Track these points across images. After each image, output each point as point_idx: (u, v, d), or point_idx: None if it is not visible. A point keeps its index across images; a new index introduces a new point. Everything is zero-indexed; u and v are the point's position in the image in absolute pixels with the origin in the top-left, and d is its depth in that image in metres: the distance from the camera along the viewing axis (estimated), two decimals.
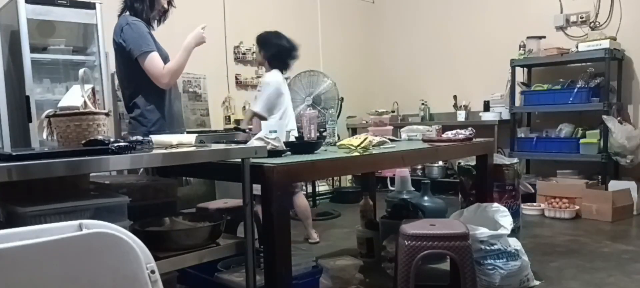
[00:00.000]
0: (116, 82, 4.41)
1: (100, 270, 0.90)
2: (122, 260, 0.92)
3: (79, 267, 0.88)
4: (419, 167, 5.93)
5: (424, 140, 2.88)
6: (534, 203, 4.70)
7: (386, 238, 2.96)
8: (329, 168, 2.17)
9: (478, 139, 2.98)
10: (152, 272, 0.95)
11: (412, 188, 3.82)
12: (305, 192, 5.52)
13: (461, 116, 5.82)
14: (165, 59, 2.71)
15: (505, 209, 2.76)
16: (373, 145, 2.32)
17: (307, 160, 1.97)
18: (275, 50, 3.66)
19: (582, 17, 5.17)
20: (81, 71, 1.81)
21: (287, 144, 2.15)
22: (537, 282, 2.76)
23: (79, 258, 0.88)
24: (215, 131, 4.60)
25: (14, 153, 1.30)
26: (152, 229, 1.76)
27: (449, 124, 4.58)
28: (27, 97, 3.46)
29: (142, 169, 2.31)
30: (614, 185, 4.57)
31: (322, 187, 5.87)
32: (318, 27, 6.21)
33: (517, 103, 5.32)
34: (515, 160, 3.32)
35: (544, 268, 3.02)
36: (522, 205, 3.36)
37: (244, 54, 5.49)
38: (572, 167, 5.09)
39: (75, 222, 0.92)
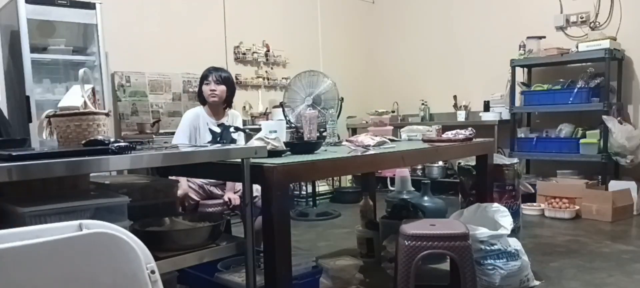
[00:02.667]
0: (117, 82, 4.43)
1: (100, 270, 0.90)
2: (122, 260, 0.92)
3: (79, 267, 0.88)
4: (419, 167, 5.93)
5: (424, 140, 2.88)
6: (534, 204, 4.70)
7: (386, 238, 2.96)
8: (329, 168, 2.17)
9: (478, 139, 2.98)
10: (152, 272, 0.95)
11: (412, 188, 3.82)
12: (305, 192, 5.54)
13: (461, 116, 5.82)
14: None
15: (505, 209, 2.76)
16: (373, 146, 2.32)
17: (307, 160, 1.97)
18: None
19: (582, 17, 5.17)
20: (81, 71, 1.81)
21: (287, 144, 2.15)
22: (537, 282, 2.76)
23: (79, 258, 0.88)
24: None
25: (14, 154, 1.30)
26: (152, 229, 1.76)
27: (449, 124, 4.58)
28: (27, 97, 3.47)
29: None
30: (614, 185, 4.57)
31: (322, 187, 5.87)
32: (318, 27, 6.21)
33: (517, 103, 5.32)
34: (515, 160, 3.32)
35: (544, 268, 3.02)
36: (522, 205, 3.37)
37: (244, 54, 5.50)
38: (572, 167, 5.08)
39: (76, 222, 0.92)
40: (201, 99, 3.13)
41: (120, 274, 0.91)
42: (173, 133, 4.08)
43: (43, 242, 0.84)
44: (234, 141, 3.06)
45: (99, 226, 0.93)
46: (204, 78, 3.09)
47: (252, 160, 1.76)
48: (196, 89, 4.91)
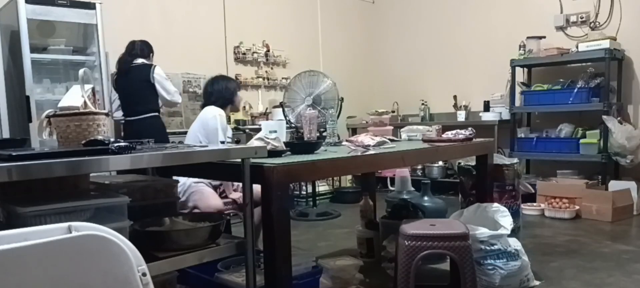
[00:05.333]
0: None
1: (90, 273, 0.88)
2: (112, 263, 0.90)
3: (68, 270, 0.86)
4: (419, 167, 5.93)
5: (424, 140, 2.88)
6: (534, 203, 4.70)
7: (386, 238, 2.95)
8: (329, 168, 2.16)
9: (478, 139, 2.98)
10: (144, 274, 0.93)
11: (412, 188, 3.82)
12: (305, 192, 5.53)
13: (461, 116, 5.82)
14: None
15: (505, 209, 2.75)
16: (373, 146, 2.32)
17: (307, 160, 1.97)
18: None
19: (582, 17, 5.17)
20: (81, 71, 1.81)
21: (287, 144, 2.15)
22: (537, 282, 2.76)
23: (69, 261, 0.86)
24: None
25: (14, 154, 1.30)
26: (152, 229, 1.76)
27: (449, 124, 4.58)
28: (27, 97, 3.47)
29: None
30: (614, 185, 4.57)
31: (322, 187, 5.87)
32: (318, 27, 6.21)
33: (517, 103, 5.32)
34: (515, 160, 3.32)
35: (544, 268, 3.02)
36: (522, 205, 3.36)
37: (244, 54, 5.50)
38: (572, 167, 5.08)
39: (65, 224, 0.91)
40: (230, 104, 3.32)
41: (110, 277, 0.90)
42: (173, 133, 4.10)
43: (31, 245, 0.83)
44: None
45: (88, 228, 0.92)
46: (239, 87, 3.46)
47: (252, 160, 1.76)
48: (198, 89, 4.95)
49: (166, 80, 3.94)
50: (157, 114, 3.97)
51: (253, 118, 5.36)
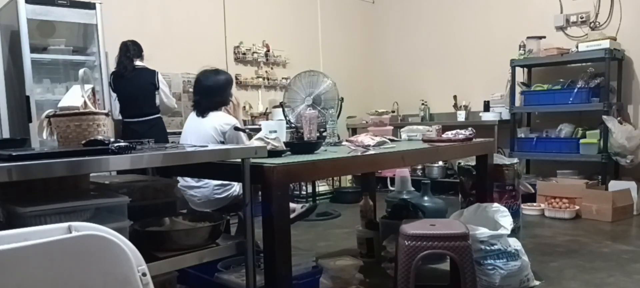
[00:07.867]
0: None
1: (90, 273, 0.88)
2: (112, 263, 0.90)
3: (68, 270, 0.86)
4: (419, 167, 5.93)
5: (424, 140, 2.88)
6: (534, 204, 4.70)
7: (386, 238, 2.96)
8: (329, 168, 2.17)
9: (478, 139, 2.98)
10: (144, 274, 0.94)
11: (412, 188, 3.82)
12: (305, 192, 5.53)
13: (461, 116, 5.82)
14: None
15: (505, 209, 2.75)
16: (373, 146, 2.32)
17: (307, 160, 1.97)
18: None
19: (582, 17, 5.17)
20: (81, 71, 1.81)
21: (287, 144, 2.16)
22: (537, 282, 2.76)
23: (69, 261, 0.86)
24: None
25: (14, 154, 1.30)
26: (152, 229, 1.76)
27: (449, 124, 4.58)
28: (27, 97, 3.47)
29: None
30: (614, 185, 4.57)
31: (322, 187, 5.87)
32: (318, 27, 6.21)
33: (517, 103, 5.32)
34: (515, 160, 3.32)
35: (544, 268, 3.02)
36: (522, 205, 3.36)
37: (244, 54, 5.49)
38: (572, 167, 5.08)
39: (65, 224, 0.91)
40: (224, 103, 3.05)
41: (110, 277, 0.90)
42: (173, 133, 4.11)
43: (31, 245, 0.83)
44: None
45: (88, 228, 0.92)
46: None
47: (252, 160, 1.76)
48: None
49: (166, 86, 4.19)
50: (159, 115, 4.11)
51: (253, 118, 5.36)
